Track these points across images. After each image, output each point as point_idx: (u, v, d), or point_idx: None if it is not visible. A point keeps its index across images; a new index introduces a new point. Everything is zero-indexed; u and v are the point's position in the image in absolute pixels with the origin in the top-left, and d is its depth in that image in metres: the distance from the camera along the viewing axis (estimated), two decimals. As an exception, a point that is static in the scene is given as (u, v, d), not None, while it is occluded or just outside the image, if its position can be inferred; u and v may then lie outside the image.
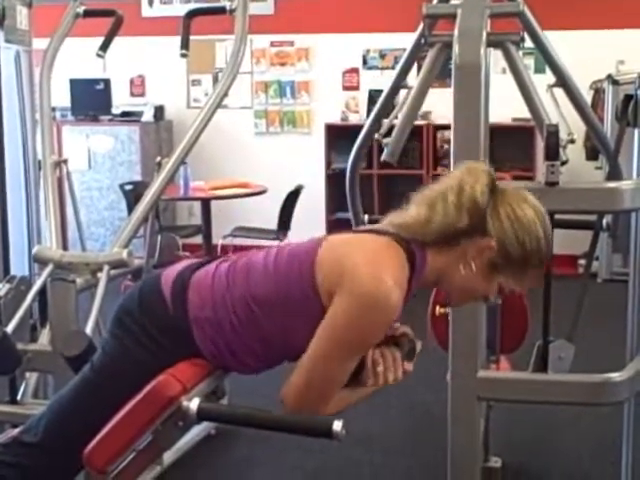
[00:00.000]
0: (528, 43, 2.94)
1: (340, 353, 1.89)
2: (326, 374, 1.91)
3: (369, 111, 6.26)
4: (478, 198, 1.91)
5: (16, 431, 2.21)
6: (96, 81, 7.92)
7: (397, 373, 2.01)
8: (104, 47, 3.63)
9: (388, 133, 3.20)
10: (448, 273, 1.97)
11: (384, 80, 3.71)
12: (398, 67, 3.34)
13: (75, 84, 7.93)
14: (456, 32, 2.61)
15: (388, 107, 3.41)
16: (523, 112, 3.17)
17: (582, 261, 6.92)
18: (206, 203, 6.60)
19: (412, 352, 2.07)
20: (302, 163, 7.95)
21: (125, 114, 8.05)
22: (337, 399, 1.97)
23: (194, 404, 1.87)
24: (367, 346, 1.94)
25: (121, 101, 8.15)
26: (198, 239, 7.07)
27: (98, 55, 3.61)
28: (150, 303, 2.03)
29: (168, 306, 2.00)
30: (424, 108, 3.17)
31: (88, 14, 3.59)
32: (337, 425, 1.75)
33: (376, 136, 3.32)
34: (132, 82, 8.41)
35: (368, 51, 7.93)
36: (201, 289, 2.00)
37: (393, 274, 1.87)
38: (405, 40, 3.34)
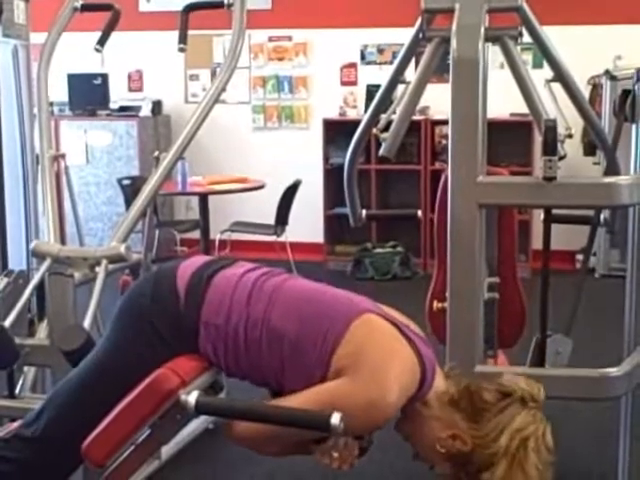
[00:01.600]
0: (526, 38, 2.94)
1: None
2: (290, 432, 1.89)
3: (367, 106, 6.25)
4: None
5: (15, 425, 2.22)
6: (94, 76, 7.91)
7: (345, 465, 2.00)
8: (102, 42, 3.62)
9: (386, 128, 3.20)
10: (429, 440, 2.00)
11: (382, 75, 3.71)
12: (396, 62, 3.33)
13: (73, 79, 7.92)
14: (454, 27, 2.61)
15: (386, 102, 3.41)
16: (521, 107, 3.17)
17: (580, 256, 6.93)
18: (204, 198, 6.60)
19: (365, 450, 2.07)
20: (300, 158, 7.95)
21: (123, 109, 8.04)
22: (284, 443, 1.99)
23: (192, 397, 1.88)
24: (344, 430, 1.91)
25: (119, 96, 8.15)
26: (196, 234, 7.07)
27: (96, 50, 3.60)
28: (163, 298, 2.02)
29: (180, 304, 1.99)
30: (422, 103, 3.17)
31: (86, 8, 3.58)
32: (335, 418, 1.76)
33: (374, 131, 3.32)
34: (130, 77, 8.40)
35: (366, 46, 7.92)
36: (221, 295, 1.99)
37: (401, 385, 1.89)
38: (403, 35, 3.34)
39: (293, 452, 2.05)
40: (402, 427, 2.05)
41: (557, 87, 3.17)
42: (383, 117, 3.33)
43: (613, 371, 2.67)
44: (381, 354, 1.90)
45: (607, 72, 6.86)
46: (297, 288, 2.02)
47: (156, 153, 3.21)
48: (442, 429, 1.96)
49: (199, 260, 2.10)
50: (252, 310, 1.96)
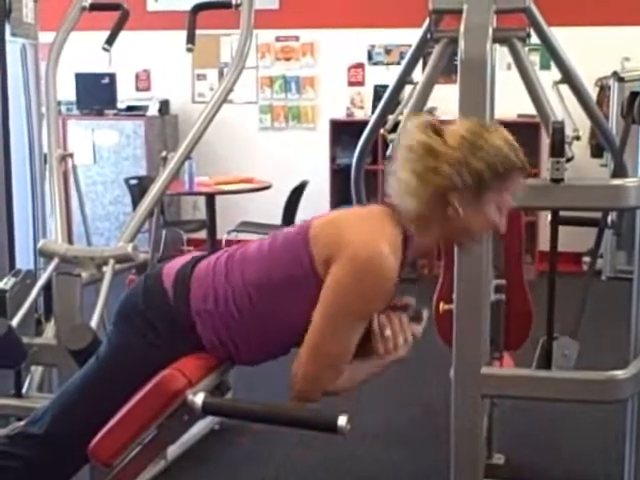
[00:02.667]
0: (534, 39, 2.94)
1: (342, 321, 1.90)
2: (331, 344, 1.92)
3: (374, 107, 6.26)
4: (427, 141, 1.94)
5: (21, 423, 2.22)
6: (101, 75, 7.92)
7: (406, 335, 2.01)
8: (110, 41, 3.62)
9: (394, 129, 3.20)
10: (445, 227, 1.98)
11: (389, 75, 3.71)
12: (404, 63, 3.33)
13: (81, 78, 7.93)
14: (462, 28, 2.61)
15: (394, 103, 3.41)
16: (528, 108, 3.16)
17: (586, 258, 6.92)
18: (211, 198, 6.60)
19: (419, 316, 2.07)
20: (307, 158, 7.95)
21: (130, 108, 8.05)
22: (349, 374, 1.98)
23: (199, 398, 1.88)
24: (368, 312, 1.94)
25: (126, 95, 8.15)
26: (203, 234, 7.08)
27: (104, 49, 3.61)
28: (153, 296, 2.05)
29: (170, 300, 2.02)
30: (429, 104, 3.16)
31: (94, 8, 3.59)
32: (342, 420, 1.76)
33: (381, 132, 3.32)
34: (137, 76, 8.41)
35: (373, 46, 7.92)
36: (202, 282, 2.02)
37: (387, 240, 1.90)
38: (411, 36, 3.34)
39: (363, 373, 2.04)
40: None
41: (565, 89, 3.16)
42: (391, 118, 3.33)
43: (620, 374, 2.66)
44: (346, 227, 1.93)
45: (615, 74, 6.85)
46: (258, 242, 2.07)
47: (164, 153, 3.22)
48: (448, 207, 1.95)
49: (182, 259, 2.14)
50: (232, 282, 1.99)
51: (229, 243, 7.20)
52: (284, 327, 1.99)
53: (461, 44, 2.57)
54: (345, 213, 2.04)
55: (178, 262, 2.11)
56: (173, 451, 3.54)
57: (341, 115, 7.90)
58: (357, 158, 3.59)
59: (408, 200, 1.94)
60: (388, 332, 1.98)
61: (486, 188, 1.95)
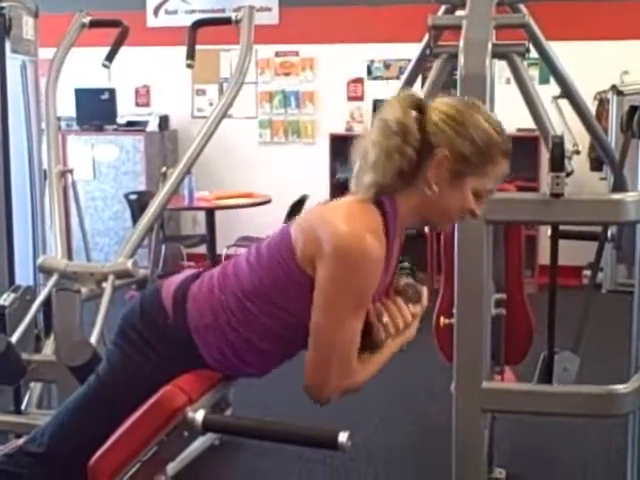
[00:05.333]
0: (533, 53, 2.95)
1: (341, 313, 1.89)
2: (335, 339, 1.90)
3: (373, 121, 6.27)
4: (402, 119, 1.90)
5: (21, 441, 2.21)
6: (101, 91, 7.94)
7: (405, 318, 2.00)
8: (110, 58, 3.64)
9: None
10: (422, 204, 1.96)
11: (389, 90, 3.72)
12: (403, 78, 3.34)
13: (80, 94, 7.95)
14: (461, 43, 2.61)
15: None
16: (527, 122, 3.17)
17: (587, 272, 6.91)
18: (210, 213, 6.61)
19: (416, 295, 2.06)
20: (306, 173, 7.95)
21: (130, 124, 8.06)
22: (362, 367, 1.97)
23: (199, 415, 1.87)
24: (365, 299, 1.92)
25: (126, 111, 8.17)
26: (202, 249, 7.08)
27: (104, 66, 3.62)
28: (151, 315, 2.04)
29: (169, 317, 2.01)
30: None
31: (94, 25, 3.60)
32: (343, 436, 1.75)
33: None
34: (137, 92, 8.42)
35: (372, 61, 7.94)
36: (198, 299, 2.01)
37: (365, 224, 1.88)
38: (409, 50, 3.35)
39: (375, 363, 2.02)
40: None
41: (564, 103, 3.17)
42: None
43: (621, 388, 2.65)
44: (323, 222, 1.91)
45: (614, 87, 6.85)
46: (246, 253, 2.06)
47: (163, 169, 3.23)
48: (427, 184, 1.93)
49: (180, 276, 2.13)
50: (227, 293, 1.98)
51: (229, 258, 7.20)
52: (284, 332, 1.98)
53: (460, 59, 2.57)
54: (318, 209, 2.01)
55: (176, 279, 2.11)
56: (173, 467, 3.52)
57: (340, 130, 7.91)
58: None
59: (374, 172, 1.93)
60: (386, 318, 1.98)
61: (467, 169, 1.93)
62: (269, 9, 7.96)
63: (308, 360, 1.93)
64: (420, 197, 1.95)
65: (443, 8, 3.10)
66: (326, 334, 1.90)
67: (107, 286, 2.90)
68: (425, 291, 2.10)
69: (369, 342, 1.98)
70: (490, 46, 2.60)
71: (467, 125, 1.92)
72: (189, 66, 3.45)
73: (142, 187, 7.58)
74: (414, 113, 1.92)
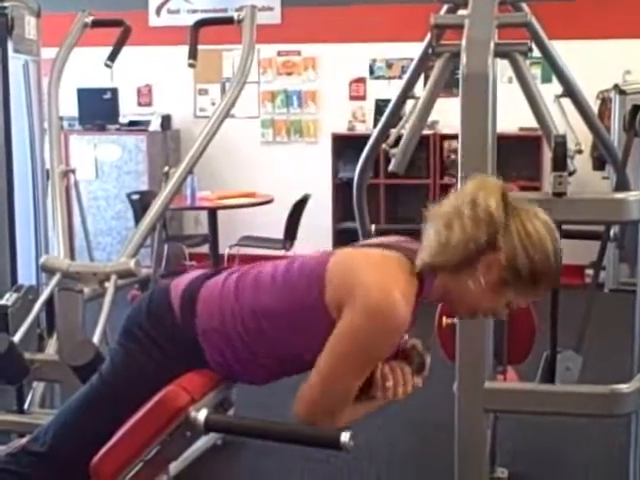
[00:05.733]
0: (535, 52, 2.94)
1: (349, 368, 1.89)
2: (335, 389, 1.91)
3: (376, 121, 6.27)
4: (493, 211, 1.86)
5: (24, 440, 2.21)
6: (103, 90, 7.94)
7: (406, 387, 2.00)
8: (112, 57, 3.63)
9: (396, 143, 3.20)
10: (457, 289, 1.94)
11: (391, 90, 3.71)
12: (406, 77, 3.34)
13: (83, 93, 7.95)
14: (464, 42, 2.61)
15: (395, 117, 3.42)
16: (530, 121, 3.17)
17: (589, 271, 6.91)
18: (213, 213, 6.60)
19: (421, 366, 2.06)
20: (309, 173, 7.95)
21: (132, 123, 8.07)
22: (346, 412, 1.97)
23: (202, 415, 1.87)
24: (376, 360, 1.93)
25: (128, 110, 8.17)
26: (205, 248, 7.07)
27: (106, 65, 3.62)
28: (158, 314, 2.03)
29: (177, 317, 2.00)
30: (431, 117, 3.17)
31: (96, 24, 3.60)
32: (345, 436, 1.75)
33: (383, 146, 3.33)
34: (139, 91, 8.43)
35: (375, 61, 7.94)
36: (209, 301, 2.00)
37: (401, 288, 1.86)
38: (412, 50, 3.35)
39: (360, 412, 2.03)
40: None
41: (566, 102, 3.17)
42: (393, 132, 3.34)
43: (623, 388, 2.65)
44: (361, 271, 1.89)
45: (616, 86, 6.86)
46: (272, 266, 2.03)
47: (166, 169, 3.23)
48: (474, 277, 1.90)
49: (189, 276, 2.12)
50: (242, 302, 1.97)
51: (231, 257, 7.21)
52: (290, 356, 1.98)
53: (463, 58, 2.57)
54: (363, 256, 1.99)
55: (185, 279, 2.09)
56: (175, 466, 3.51)
57: (343, 129, 7.91)
58: (359, 173, 3.59)
59: (442, 254, 1.89)
60: (389, 383, 1.97)
61: (513, 282, 1.90)
62: (271, 9, 7.96)
63: (303, 394, 1.93)
64: (458, 285, 1.93)
65: (445, 7, 3.10)
66: (327, 381, 1.90)
67: (110, 286, 2.90)
68: (429, 361, 2.09)
69: (362, 394, 1.97)
70: (492, 45, 2.60)
71: (537, 250, 1.88)
72: (191, 66, 3.45)
73: (144, 187, 7.58)
74: (501, 209, 1.88)
